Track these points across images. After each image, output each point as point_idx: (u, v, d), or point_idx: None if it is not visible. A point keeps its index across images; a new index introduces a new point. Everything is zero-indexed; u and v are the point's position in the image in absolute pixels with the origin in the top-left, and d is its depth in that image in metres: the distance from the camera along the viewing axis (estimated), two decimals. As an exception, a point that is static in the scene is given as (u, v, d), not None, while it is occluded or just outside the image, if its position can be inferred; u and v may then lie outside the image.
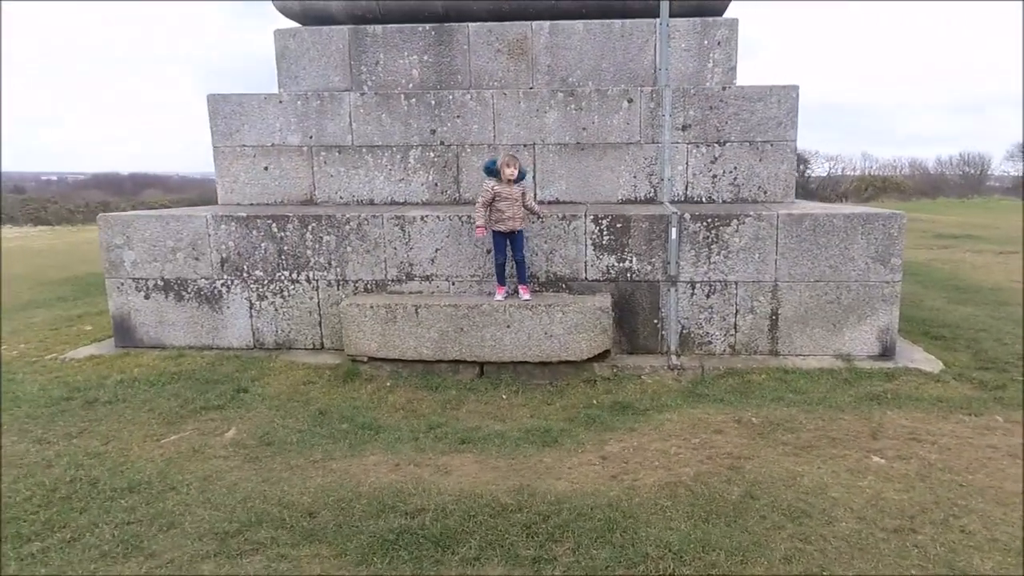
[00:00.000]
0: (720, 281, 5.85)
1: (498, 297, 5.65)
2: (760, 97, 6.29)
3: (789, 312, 5.84)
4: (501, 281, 5.67)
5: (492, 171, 5.47)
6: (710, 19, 6.66)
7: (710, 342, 5.95)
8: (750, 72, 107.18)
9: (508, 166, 5.46)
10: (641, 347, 5.99)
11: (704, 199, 6.47)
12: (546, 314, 5.53)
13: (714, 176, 6.44)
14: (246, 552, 2.96)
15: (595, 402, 5.25)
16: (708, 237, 5.80)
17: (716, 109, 6.33)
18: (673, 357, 5.82)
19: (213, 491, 3.57)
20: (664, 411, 4.90)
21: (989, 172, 45.96)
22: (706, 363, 5.74)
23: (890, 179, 40.65)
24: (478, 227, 5.46)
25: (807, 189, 46.38)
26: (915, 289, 9.11)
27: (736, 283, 5.84)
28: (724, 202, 6.45)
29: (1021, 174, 44.61)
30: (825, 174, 48.81)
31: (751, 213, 5.76)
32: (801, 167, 49.09)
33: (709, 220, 5.78)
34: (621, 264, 5.90)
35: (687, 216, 5.79)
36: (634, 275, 5.90)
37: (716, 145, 6.39)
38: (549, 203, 6.54)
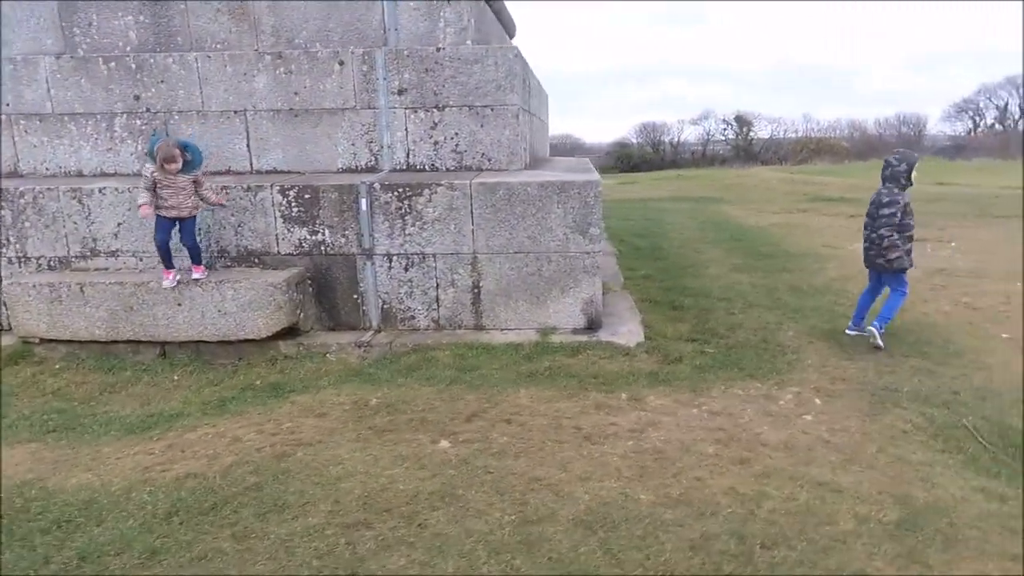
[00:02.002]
0: (418, 254, 5.60)
1: (166, 282, 5.24)
2: (477, 59, 5.95)
3: (491, 285, 5.62)
4: (168, 264, 5.26)
5: (154, 156, 5.08)
6: (439, -25, 6.26)
7: (413, 317, 5.71)
8: (700, 40, 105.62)
9: (169, 161, 5.02)
10: (344, 323, 5.75)
11: (427, 167, 6.16)
12: (217, 291, 5.25)
13: (436, 143, 6.13)
14: None
15: (257, 383, 5.02)
16: (401, 208, 5.53)
17: (432, 72, 5.98)
18: (364, 334, 5.59)
19: None
20: (306, 393, 4.68)
21: (925, 132, 46.19)
22: (402, 339, 5.51)
23: (824, 141, 40.61)
24: (140, 206, 5.07)
25: (750, 152, 46.40)
26: (716, 255, 8.98)
27: (434, 255, 5.59)
28: (448, 170, 6.14)
29: (958, 134, 45.06)
30: (768, 136, 48.79)
31: (443, 182, 5.49)
32: (744, 129, 49.04)
33: (401, 190, 5.50)
34: (314, 237, 5.61)
35: (377, 186, 5.50)
36: (328, 248, 5.62)
37: (435, 110, 6.05)
38: (267, 173, 6.19)
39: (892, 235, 5.09)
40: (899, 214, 5.04)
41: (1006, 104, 45.30)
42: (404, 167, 6.18)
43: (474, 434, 3.87)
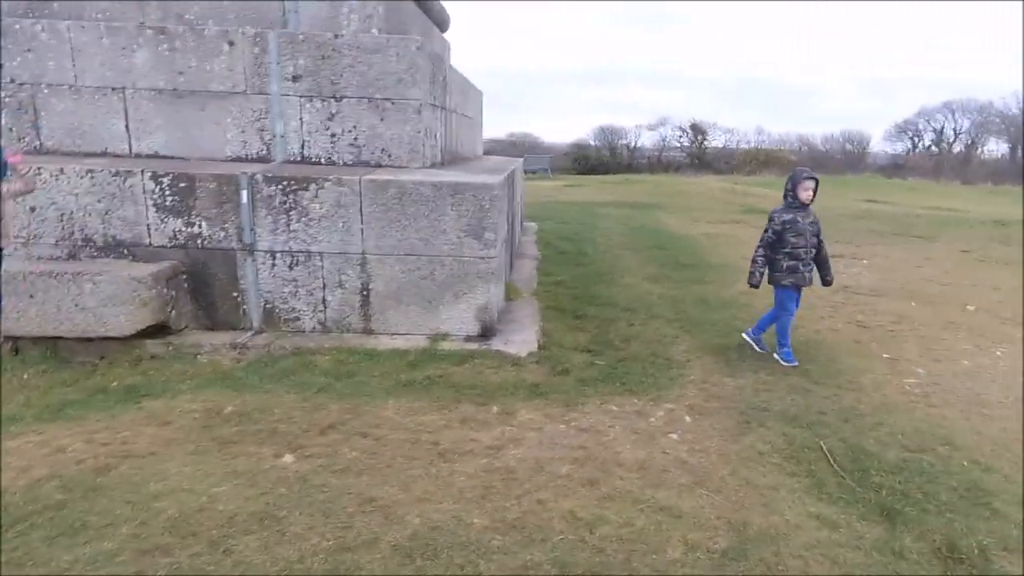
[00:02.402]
0: (303, 252, 5.32)
1: None
2: (377, 49, 5.70)
3: (381, 287, 5.38)
4: None
5: None
6: (343, -43, 5.98)
7: (299, 319, 5.43)
8: (675, 43, 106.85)
9: None
10: (222, 323, 5.42)
11: (324, 160, 5.88)
12: (74, 283, 4.87)
13: (333, 135, 5.85)
14: None
15: (113, 385, 4.66)
16: (286, 202, 5.24)
17: (329, 59, 5.70)
18: (243, 335, 5.28)
19: None
20: (161, 398, 4.36)
21: (868, 150, 47.56)
22: (283, 342, 5.22)
23: (773, 153, 41.41)
24: None
25: (704, 161, 46.99)
26: (635, 263, 8.91)
27: (321, 254, 5.32)
28: (346, 164, 5.88)
29: (898, 153, 46.59)
30: (722, 146, 49.50)
31: (331, 177, 5.22)
32: (699, 138, 49.66)
33: (285, 183, 5.21)
34: (190, 229, 5.28)
35: (259, 177, 5.20)
36: (205, 242, 5.30)
37: (332, 100, 5.78)
38: (147, 157, 5.81)
39: (757, 249, 5.20)
40: (769, 230, 5.10)
41: (942, 127, 47.06)
42: (299, 159, 5.88)
43: (323, 448, 3.64)
